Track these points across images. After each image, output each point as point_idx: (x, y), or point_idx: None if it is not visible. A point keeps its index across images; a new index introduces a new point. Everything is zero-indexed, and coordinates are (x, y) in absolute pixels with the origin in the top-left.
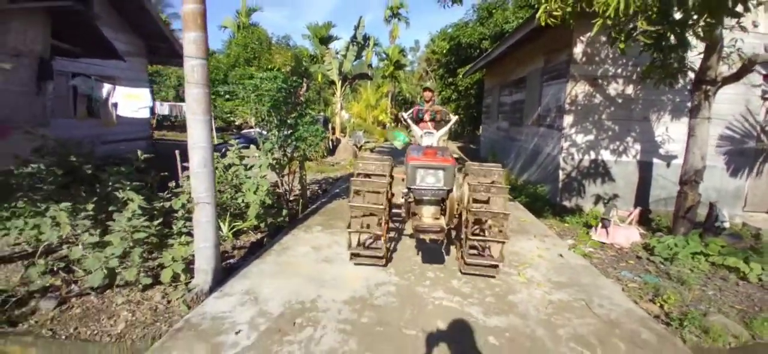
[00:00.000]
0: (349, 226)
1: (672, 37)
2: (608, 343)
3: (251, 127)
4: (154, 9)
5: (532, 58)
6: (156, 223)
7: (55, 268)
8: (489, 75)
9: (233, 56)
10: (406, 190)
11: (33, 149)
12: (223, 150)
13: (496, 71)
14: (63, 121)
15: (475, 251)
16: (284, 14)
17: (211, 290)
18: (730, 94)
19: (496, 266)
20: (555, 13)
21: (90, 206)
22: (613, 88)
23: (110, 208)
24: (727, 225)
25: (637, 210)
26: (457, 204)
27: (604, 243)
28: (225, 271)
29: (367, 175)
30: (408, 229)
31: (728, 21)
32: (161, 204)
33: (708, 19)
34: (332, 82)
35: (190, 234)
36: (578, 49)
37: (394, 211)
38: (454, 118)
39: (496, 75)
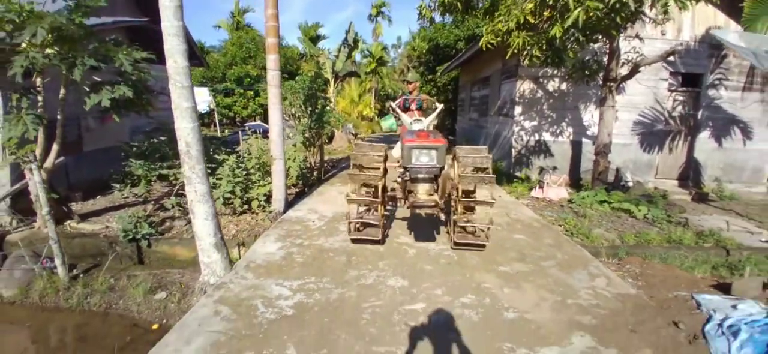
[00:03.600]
0: (347, 218)
1: (554, 59)
2: (513, 227)
3: (252, 120)
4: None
5: (493, 61)
6: (244, 173)
7: (178, 204)
8: (463, 73)
9: (230, 55)
10: (402, 170)
11: (152, 128)
12: (238, 138)
13: (467, 70)
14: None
15: (463, 231)
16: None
17: (284, 211)
18: (643, 87)
19: (483, 246)
20: (491, 42)
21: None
22: (550, 85)
23: (212, 166)
24: (630, 184)
25: (565, 176)
26: (449, 180)
27: (539, 198)
28: (288, 204)
29: (362, 167)
30: (400, 213)
31: (628, 32)
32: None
33: (575, 47)
34: (325, 80)
35: (261, 180)
36: (532, 51)
37: (388, 194)
38: (439, 106)
39: (468, 73)
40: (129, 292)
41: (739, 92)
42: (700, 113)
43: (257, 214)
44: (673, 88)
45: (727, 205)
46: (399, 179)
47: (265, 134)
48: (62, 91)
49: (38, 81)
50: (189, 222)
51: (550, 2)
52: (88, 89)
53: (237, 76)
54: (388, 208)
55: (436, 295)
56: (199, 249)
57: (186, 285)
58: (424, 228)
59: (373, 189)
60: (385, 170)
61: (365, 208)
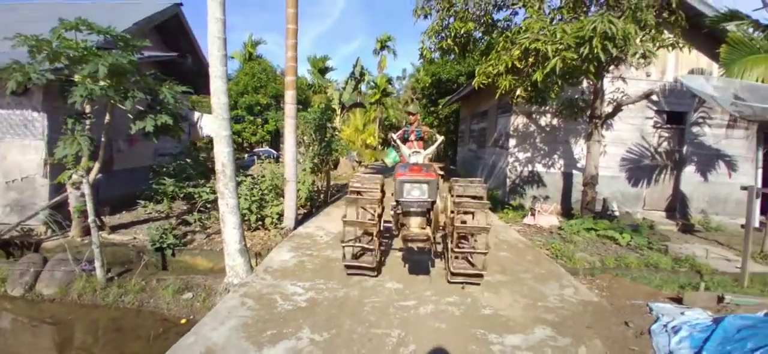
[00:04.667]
0: (342, 241)
1: (538, 98)
2: (499, 246)
3: (260, 146)
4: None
5: (490, 96)
6: (259, 193)
7: (200, 220)
8: (463, 107)
9: (242, 84)
10: (394, 203)
11: (179, 152)
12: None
13: (467, 104)
14: None
15: (460, 258)
16: (276, 40)
17: (294, 228)
18: (629, 125)
19: (480, 275)
20: (483, 82)
21: None
22: (543, 120)
23: None
24: (617, 214)
25: (556, 204)
26: (441, 214)
27: (530, 225)
28: (298, 222)
29: (360, 193)
30: (396, 243)
31: (612, 73)
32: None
33: (556, 88)
34: (333, 110)
35: (274, 199)
36: (517, 92)
37: (385, 224)
38: (440, 138)
39: (467, 107)
40: (159, 292)
41: (723, 129)
42: (685, 149)
43: (269, 230)
44: (659, 126)
45: (712, 236)
46: (392, 212)
47: (276, 159)
48: (108, 117)
49: (88, 108)
50: (208, 236)
51: (533, 52)
52: (131, 117)
53: (248, 104)
54: (384, 240)
55: (426, 296)
56: (225, 253)
57: (210, 287)
58: (418, 261)
59: (369, 216)
60: (383, 193)
61: (360, 249)
